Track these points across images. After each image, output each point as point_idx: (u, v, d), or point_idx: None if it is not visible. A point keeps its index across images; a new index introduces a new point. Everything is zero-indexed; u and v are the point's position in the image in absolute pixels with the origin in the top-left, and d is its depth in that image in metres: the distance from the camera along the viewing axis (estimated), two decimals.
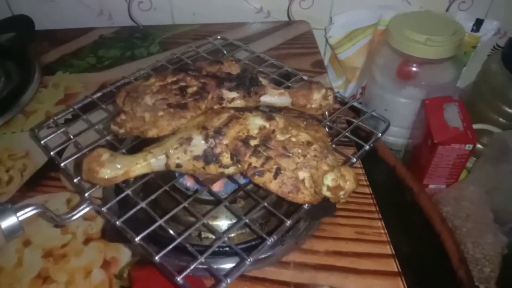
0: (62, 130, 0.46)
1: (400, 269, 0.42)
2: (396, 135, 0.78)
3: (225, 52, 0.56)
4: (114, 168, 0.38)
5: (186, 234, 0.37)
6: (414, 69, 0.73)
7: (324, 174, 0.36)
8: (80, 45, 0.71)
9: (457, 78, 0.75)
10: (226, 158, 0.38)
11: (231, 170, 0.39)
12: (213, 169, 0.39)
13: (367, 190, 0.50)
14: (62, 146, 0.46)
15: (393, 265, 0.43)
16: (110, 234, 0.43)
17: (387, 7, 0.74)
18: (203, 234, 0.45)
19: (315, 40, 0.73)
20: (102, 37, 0.73)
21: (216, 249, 0.37)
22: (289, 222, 0.37)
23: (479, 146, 0.72)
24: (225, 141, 0.38)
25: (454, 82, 0.74)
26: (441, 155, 0.66)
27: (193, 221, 0.43)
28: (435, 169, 0.68)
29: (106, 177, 0.37)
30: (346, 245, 0.44)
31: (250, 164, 0.37)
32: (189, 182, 0.45)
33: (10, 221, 0.34)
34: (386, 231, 0.46)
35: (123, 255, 0.43)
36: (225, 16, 0.76)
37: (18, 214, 0.34)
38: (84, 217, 0.47)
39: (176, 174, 0.44)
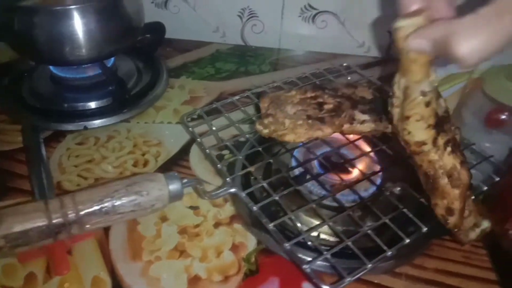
0: (207, 121, 0.54)
1: None
2: (476, 178, 0.81)
3: (349, 78, 0.62)
4: None
5: (313, 232, 0.42)
6: (504, 117, 0.76)
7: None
8: (200, 56, 0.79)
9: None
10: None
11: None
12: None
13: None
14: (205, 135, 0.53)
15: None
16: (247, 220, 0.48)
17: None
18: (321, 235, 0.49)
19: None
20: (219, 51, 0.81)
21: (337, 250, 0.42)
22: (407, 240, 0.41)
23: None
24: None
25: None
26: None
27: (314, 222, 0.47)
28: None
29: None
30: (454, 266, 0.47)
31: None
32: (315, 188, 0.50)
33: (176, 186, 0.40)
34: (490, 259, 0.49)
35: (249, 241, 0.48)
36: (329, 46, 0.83)
37: (183, 181, 0.41)
38: (214, 204, 0.52)
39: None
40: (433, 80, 0.37)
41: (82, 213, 0.36)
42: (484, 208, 0.73)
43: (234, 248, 0.48)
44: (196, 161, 0.57)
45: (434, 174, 0.39)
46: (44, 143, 0.58)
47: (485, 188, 0.50)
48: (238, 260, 0.46)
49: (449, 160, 0.39)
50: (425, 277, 0.46)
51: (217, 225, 0.50)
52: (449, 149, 0.39)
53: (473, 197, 0.43)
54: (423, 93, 0.37)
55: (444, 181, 0.38)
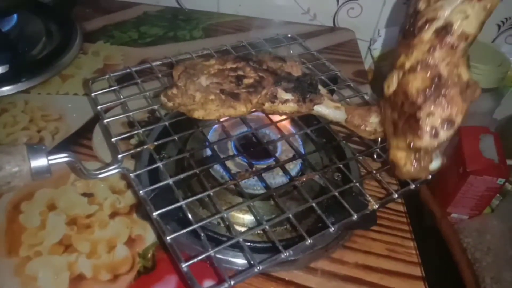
0: (114, 88, 0.47)
1: None
2: None
3: (285, 41, 0.56)
4: None
5: (204, 222, 0.36)
6: None
7: None
8: (124, 18, 0.70)
9: (494, 110, 0.74)
10: None
11: None
12: None
13: (402, 208, 0.49)
14: (109, 104, 0.46)
15: None
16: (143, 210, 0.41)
17: None
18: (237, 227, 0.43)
19: (358, 49, 0.71)
20: (146, 14, 0.72)
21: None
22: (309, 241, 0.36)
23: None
24: None
25: (491, 113, 0.73)
26: (470, 185, 0.65)
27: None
28: (462, 198, 0.67)
29: None
30: (376, 260, 0.43)
31: None
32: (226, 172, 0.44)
33: (40, 161, 0.34)
34: (418, 252, 0.45)
35: (149, 234, 0.42)
36: (270, 13, 0.75)
37: (50, 157, 0.35)
38: (113, 190, 0.46)
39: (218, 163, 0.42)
40: None
41: None
42: (427, 192, 0.71)
43: (130, 242, 0.42)
44: (100, 140, 0.50)
45: (448, 79, 0.35)
46: None
47: None
48: (132, 255, 0.41)
49: (467, 73, 0.35)
50: (343, 272, 0.41)
51: (113, 215, 0.43)
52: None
53: None
54: None
55: (456, 89, 0.34)
